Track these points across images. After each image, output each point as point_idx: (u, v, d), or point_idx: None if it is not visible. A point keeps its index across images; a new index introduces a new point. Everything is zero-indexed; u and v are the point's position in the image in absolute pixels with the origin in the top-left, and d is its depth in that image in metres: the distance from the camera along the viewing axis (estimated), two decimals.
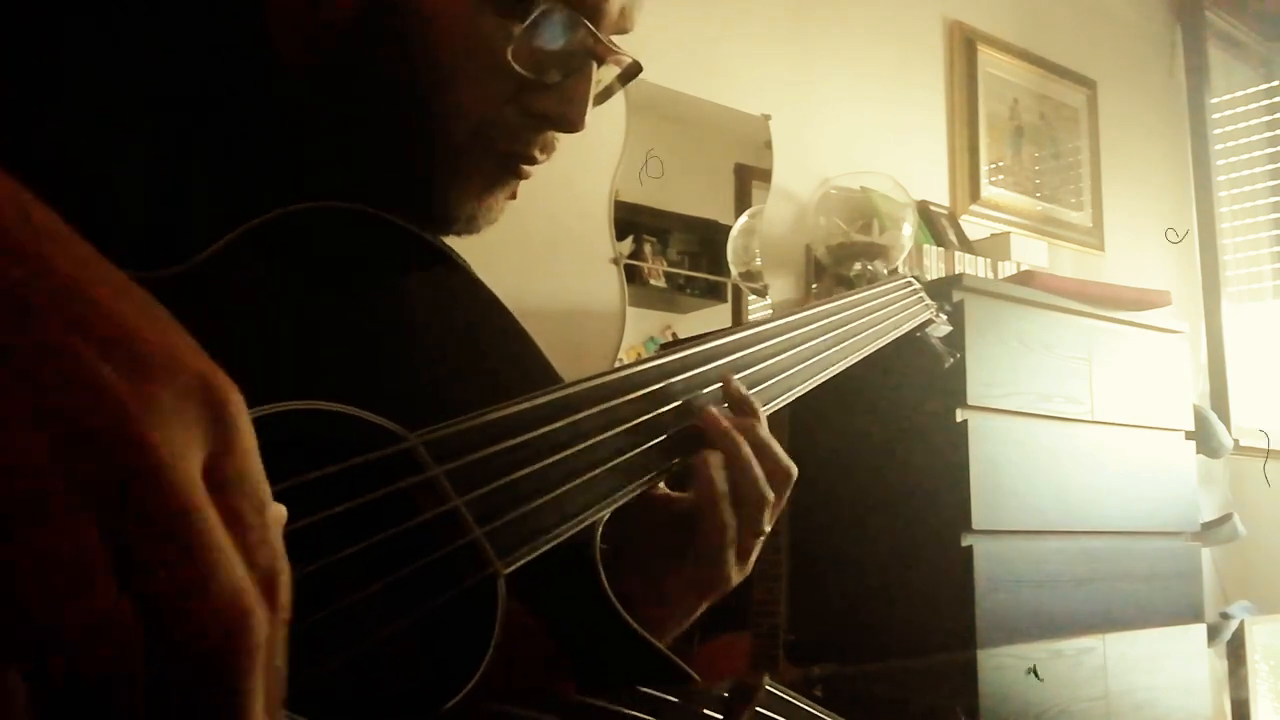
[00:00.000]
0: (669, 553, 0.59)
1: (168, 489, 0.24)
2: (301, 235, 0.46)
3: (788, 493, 0.61)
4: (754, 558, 0.61)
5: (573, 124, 0.57)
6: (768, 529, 0.60)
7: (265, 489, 0.27)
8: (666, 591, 0.59)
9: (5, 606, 0.22)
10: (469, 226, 0.59)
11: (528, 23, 0.53)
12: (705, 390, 0.60)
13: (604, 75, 0.62)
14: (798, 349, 0.69)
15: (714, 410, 0.59)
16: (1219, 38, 3.64)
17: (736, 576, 0.60)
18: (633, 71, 0.62)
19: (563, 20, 0.54)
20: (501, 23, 0.53)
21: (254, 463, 0.27)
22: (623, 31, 0.59)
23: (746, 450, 0.58)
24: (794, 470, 0.61)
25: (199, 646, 0.24)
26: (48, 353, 0.23)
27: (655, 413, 0.56)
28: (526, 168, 0.59)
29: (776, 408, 0.65)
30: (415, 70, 0.54)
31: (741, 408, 0.60)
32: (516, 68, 0.54)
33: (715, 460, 0.57)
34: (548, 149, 0.59)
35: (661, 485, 0.60)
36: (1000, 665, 0.85)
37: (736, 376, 0.62)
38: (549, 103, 0.56)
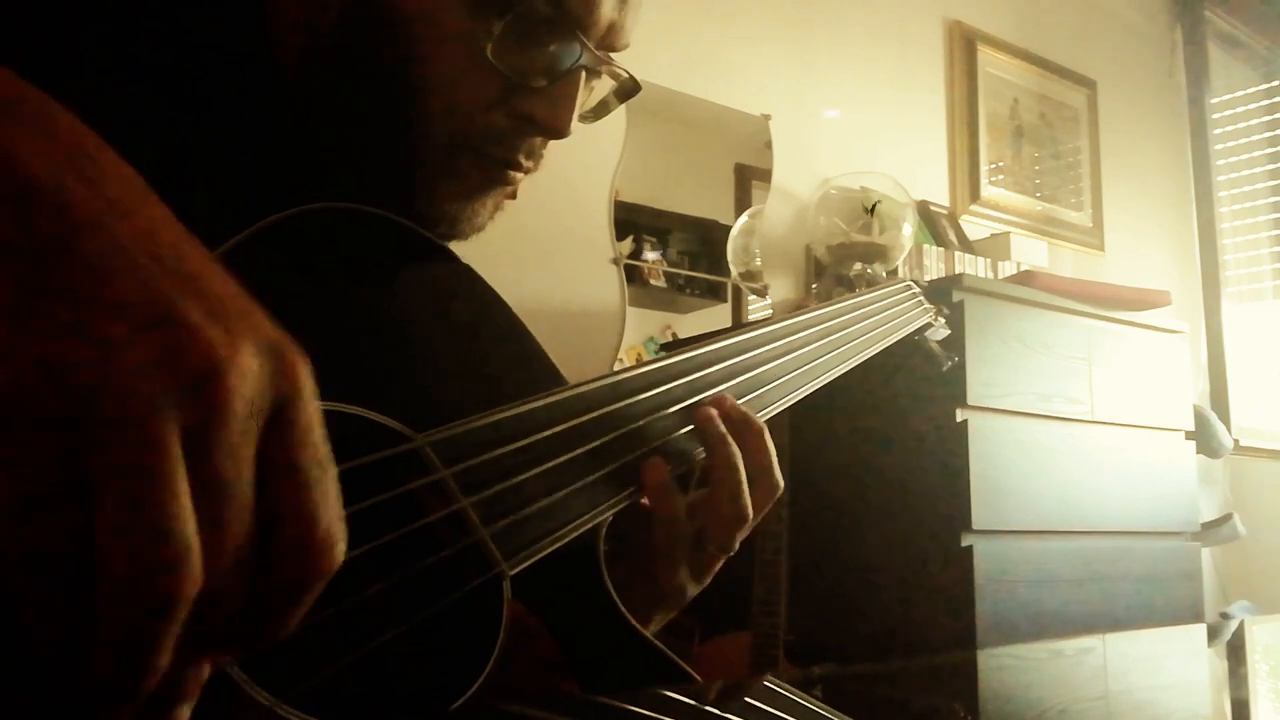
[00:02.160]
0: (639, 562, 0.59)
1: (227, 448, 0.28)
2: (308, 235, 0.46)
3: (766, 508, 0.60)
4: (713, 572, 0.60)
5: (558, 130, 0.57)
6: (734, 549, 0.59)
7: (325, 444, 0.30)
8: (632, 600, 0.58)
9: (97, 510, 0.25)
10: (452, 229, 0.58)
11: (506, 20, 0.53)
12: (708, 394, 0.60)
13: (600, 89, 0.62)
14: (798, 352, 0.69)
15: (710, 411, 0.58)
16: (1219, 38, 3.64)
17: (692, 589, 0.60)
18: (630, 89, 0.62)
19: (544, 20, 0.54)
20: (482, 22, 0.53)
21: (317, 420, 0.31)
22: (613, 49, 0.59)
23: (737, 458, 0.58)
24: (780, 485, 0.60)
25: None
26: (154, 300, 0.28)
27: (660, 415, 0.56)
28: (514, 174, 0.59)
29: (777, 412, 0.65)
30: (398, 69, 0.54)
31: (740, 427, 0.59)
32: (497, 66, 0.53)
33: (659, 466, 0.56)
34: (534, 156, 0.59)
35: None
36: (1000, 665, 0.85)
37: (740, 379, 0.62)
38: (535, 107, 0.56)
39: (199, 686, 0.29)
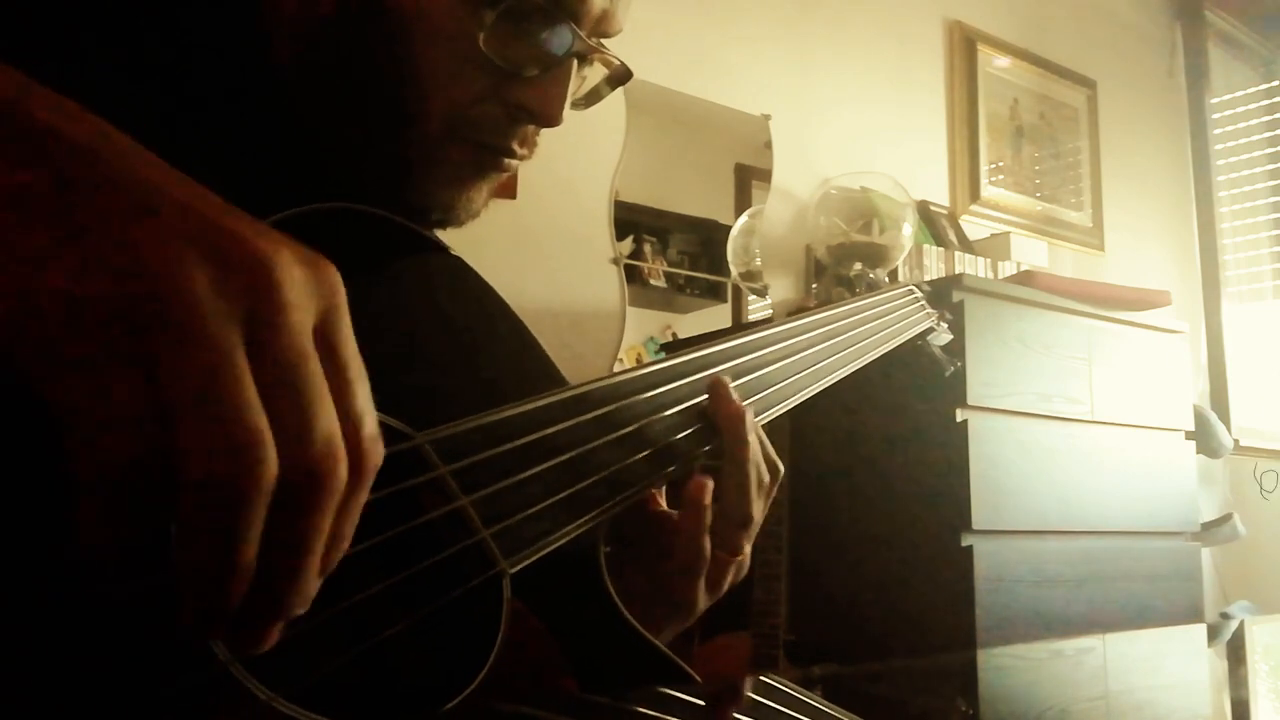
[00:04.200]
0: (644, 570, 0.58)
1: (289, 333, 0.30)
2: (308, 235, 0.46)
3: (774, 490, 0.60)
4: (727, 584, 0.60)
5: (550, 118, 0.57)
6: (742, 551, 0.58)
7: (306, 353, 0.31)
8: (650, 615, 0.57)
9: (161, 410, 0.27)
10: (447, 216, 0.58)
11: (499, 11, 0.53)
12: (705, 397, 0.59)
13: (592, 77, 0.62)
14: (801, 355, 0.69)
15: (737, 404, 0.58)
16: (1219, 38, 3.64)
17: (705, 600, 0.59)
18: (621, 76, 0.62)
19: (536, 10, 0.54)
20: (475, 12, 0.53)
21: (349, 322, 0.32)
22: (605, 35, 0.59)
23: (754, 452, 0.58)
24: (780, 466, 0.61)
25: (291, 479, 0.29)
26: (199, 216, 0.29)
27: (659, 416, 0.56)
28: (507, 161, 0.58)
29: (777, 415, 0.65)
30: (391, 58, 0.54)
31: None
32: (490, 57, 0.53)
33: (706, 487, 0.56)
34: (527, 143, 0.59)
35: (663, 502, 0.59)
36: (1000, 665, 0.85)
37: (743, 381, 0.62)
38: (527, 95, 0.56)
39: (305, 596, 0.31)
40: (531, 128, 0.58)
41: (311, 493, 0.30)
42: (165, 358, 0.28)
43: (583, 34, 0.56)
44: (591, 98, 0.63)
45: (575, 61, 0.57)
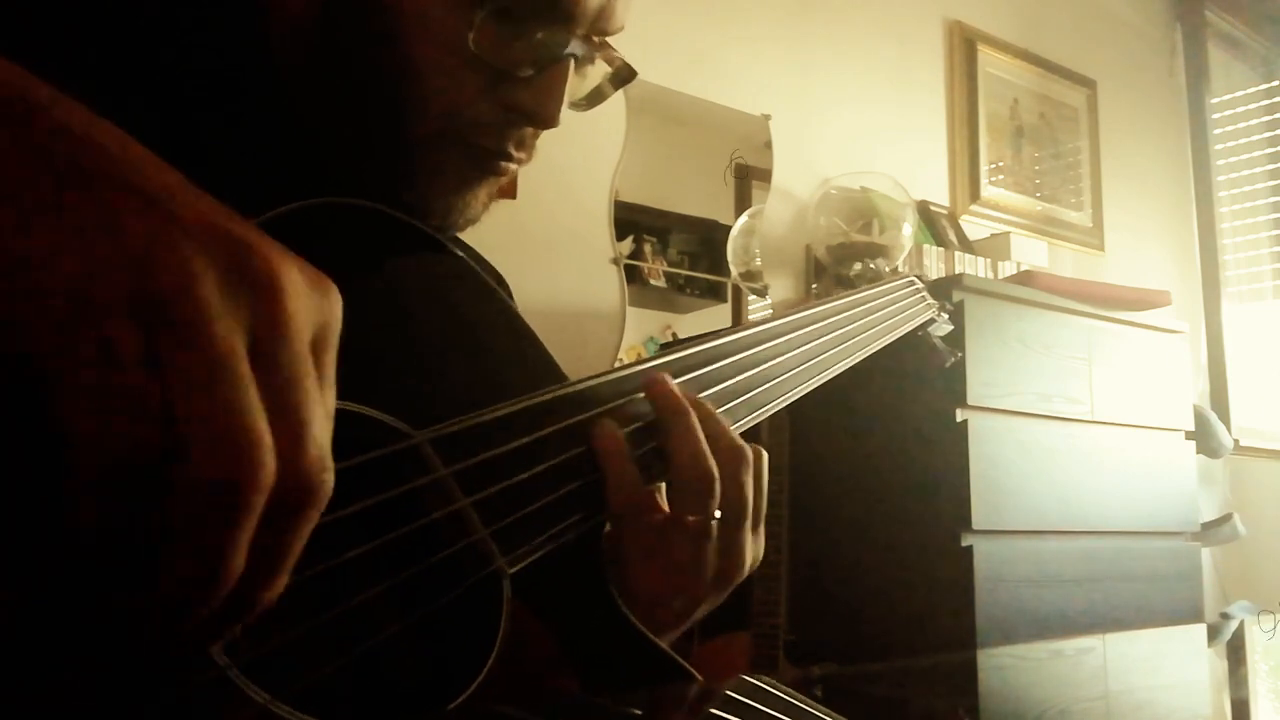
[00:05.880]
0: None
1: (291, 345, 0.30)
2: (303, 233, 0.46)
3: (748, 473, 0.55)
4: (705, 568, 0.54)
5: (545, 120, 0.56)
6: (716, 514, 0.53)
7: (307, 364, 0.31)
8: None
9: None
10: (445, 221, 0.57)
11: (489, 9, 0.52)
12: (687, 376, 0.59)
13: (594, 76, 0.61)
14: (801, 349, 0.69)
15: (666, 380, 0.54)
16: (1219, 38, 3.64)
17: (682, 602, 0.54)
18: (624, 75, 0.61)
19: (528, 8, 0.53)
20: (464, 10, 0.52)
21: (337, 344, 0.32)
22: (605, 34, 0.57)
23: (694, 421, 0.53)
24: (745, 449, 0.55)
25: (286, 488, 0.29)
26: (202, 218, 0.29)
27: (649, 412, 0.55)
28: (505, 165, 0.57)
29: (779, 408, 0.65)
30: (386, 58, 0.53)
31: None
32: (480, 55, 0.53)
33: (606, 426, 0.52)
34: (525, 147, 0.58)
35: (664, 500, 0.59)
36: (1000, 665, 0.85)
37: (745, 375, 0.62)
38: (522, 96, 0.55)
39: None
40: (529, 131, 0.57)
41: (303, 503, 0.30)
42: (169, 356, 0.28)
43: (580, 32, 0.55)
44: (594, 98, 0.62)
45: (573, 61, 0.56)
